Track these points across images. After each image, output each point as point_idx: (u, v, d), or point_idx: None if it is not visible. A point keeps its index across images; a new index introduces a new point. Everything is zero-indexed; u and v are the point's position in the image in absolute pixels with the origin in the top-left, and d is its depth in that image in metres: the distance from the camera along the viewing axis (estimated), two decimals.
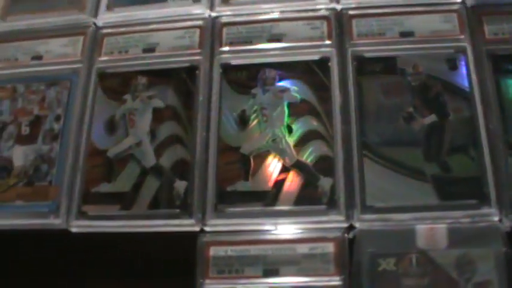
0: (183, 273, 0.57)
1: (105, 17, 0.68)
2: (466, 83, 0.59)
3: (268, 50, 0.63)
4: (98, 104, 0.64)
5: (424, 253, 0.54)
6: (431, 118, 0.58)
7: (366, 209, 0.56)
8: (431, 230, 0.55)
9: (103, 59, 0.66)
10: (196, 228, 0.58)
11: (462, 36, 0.60)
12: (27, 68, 0.67)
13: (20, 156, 0.64)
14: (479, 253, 0.53)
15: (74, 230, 0.60)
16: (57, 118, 0.65)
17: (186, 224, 0.58)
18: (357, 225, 0.56)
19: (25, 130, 0.65)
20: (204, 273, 0.55)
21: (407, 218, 0.55)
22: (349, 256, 0.55)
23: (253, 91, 0.61)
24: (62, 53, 0.67)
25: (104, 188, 0.60)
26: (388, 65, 0.60)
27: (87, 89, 0.65)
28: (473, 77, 0.59)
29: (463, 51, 0.60)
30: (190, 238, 0.58)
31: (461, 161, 0.57)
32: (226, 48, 0.63)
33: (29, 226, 0.61)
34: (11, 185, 0.63)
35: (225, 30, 0.64)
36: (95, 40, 0.67)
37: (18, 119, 0.66)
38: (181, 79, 0.63)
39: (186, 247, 0.58)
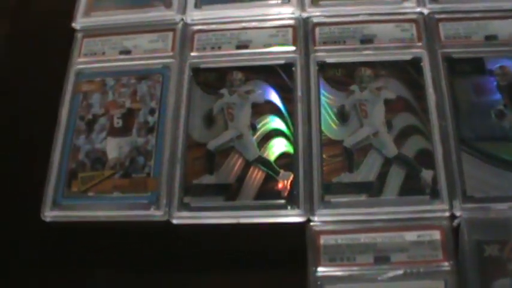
0: (289, 263, 0.60)
1: (194, 14, 0.70)
2: None
3: (361, 49, 0.67)
4: (193, 98, 0.66)
5: None
6: None
7: (467, 199, 0.59)
8: None
9: (196, 55, 0.67)
10: (303, 219, 0.60)
11: None
12: (116, 62, 0.68)
13: (114, 148, 0.64)
14: None
15: (175, 221, 0.60)
16: (152, 111, 0.66)
17: (293, 214, 0.60)
18: (458, 214, 0.59)
19: (117, 122, 0.66)
20: (316, 261, 0.58)
21: (507, 208, 0.60)
22: (455, 244, 0.59)
23: (351, 88, 0.65)
24: (151, 48, 0.68)
25: (206, 179, 0.62)
26: (476, 65, 0.66)
27: (181, 83, 0.66)
28: None
29: None
30: (297, 229, 0.60)
31: None
32: (321, 47, 0.67)
33: (129, 218, 0.61)
34: (107, 176, 0.64)
35: (317, 30, 0.67)
36: (185, 36, 0.69)
37: (109, 112, 0.66)
38: (279, 74, 0.66)
39: (293, 238, 0.60)
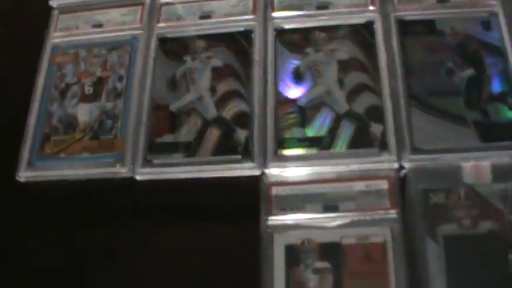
0: (245, 214, 0.62)
1: None
2: (499, 41, 0.66)
3: (317, 15, 0.69)
4: (159, 65, 0.70)
5: (471, 187, 0.59)
6: (470, 72, 0.65)
7: (415, 150, 0.61)
8: (477, 166, 0.60)
9: (162, 25, 0.71)
10: (258, 172, 0.63)
11: (494, 2, 0.68)
12: (89, 35, 0.73)
13: (84, 113, 0.68)
14: None
15: (138, 177, 0.64)
16: (120, 78, 0.70)
17: (247, 168, 0.62)
18: (407, 165, 0.61)
19: (88, 90, 0.70)
20: (268, 211, 0.61)
21: (453, 158, 0.61)
22: (401, 193, 0.61)
23: (307, 50, 0.68)
24: (121, 21, 0.73)
25: (168, 138, 0.65)
26: (428, 27, 0.67)
27: (148, 52, 0.70)
28: (505, 36, 0.66)
29: (495, 14, 0.67)
30: (252, 182, 0.63)
31: (498, 108, 0.63)
32: (279, 14, 0.70)
33: (96, 175, 0.65)
34: (77, 139, 0.67)
35: None
36: (153, 9, 0.73)
37: (81, 81, 0.71)
38: (238, 41, 0.69)
39: (248, 191, 0.62)
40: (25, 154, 0.67)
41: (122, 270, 0.61)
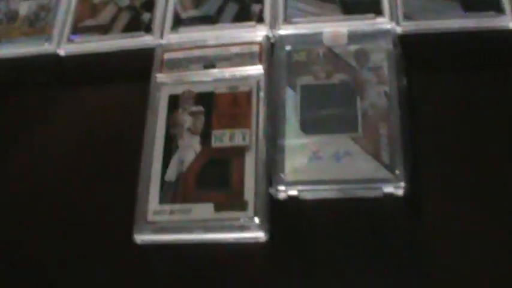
0: (142, 80, 0.72)
1: None
2: None
3: None
4: None
5: (328, 48, 0.69)
6: None
7: (286, 22, 0.71)
8: (335, 31, 0.69)
9: None
10: (155, 42, 0.74)
11: None
12: None
13: (25, 8, 0.82)
14: (373, 47, 0.68)
15: (62, 52, 0.77)
16: None
17: (147, 40, 0.74)
18: (277, 33, 0.71)
19: None
20: (159, 70, 0.71)
21: (317, 27, 0.70)
22: (270, 55, 0.70)
23: None
24: None
25: (89, 22, 0.77)
26: None
27: None
28: None
29: None
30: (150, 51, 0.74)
31: None
32: None
33: (27, 53, 0.78)
34: (17, 27, 0.81)
35: None
36: None
37: None
38: None
39: (147, 59, 0.73)
40: None
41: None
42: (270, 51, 0.70)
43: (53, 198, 0.67)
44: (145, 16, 0.76)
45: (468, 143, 0.63)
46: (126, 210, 0.64)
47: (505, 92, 0.66)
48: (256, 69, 0.69)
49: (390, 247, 0.59)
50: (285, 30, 0.71)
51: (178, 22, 0.74)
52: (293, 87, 0.67)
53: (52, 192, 0.67)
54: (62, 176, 0.69)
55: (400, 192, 0.60)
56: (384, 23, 0.69)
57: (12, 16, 0.82)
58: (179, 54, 0.72)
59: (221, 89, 0.69)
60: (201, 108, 0.68)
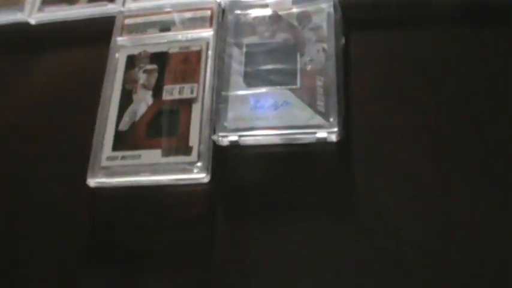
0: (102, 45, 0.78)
1: None
2: None
3: None
4: None
5: (274, 11, 0.74)
6: None
7: None
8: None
9: None
10: (117, 10, 0.80)
11: None
12: None
13: None
14: (315, 10, 0.73)
15: (32, 21, 0.83)
16: None
17: (112, 9, 0.80)
18: None
19: None
20: (119, 34, 0.77)
21: None
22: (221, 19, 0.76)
23: None
24: None
25: None
26: None
27: None
28: None
29: None
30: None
31: None
32: None
33: (2, 22, 0.84)
34: None
35: None
36: None
37: None
38: None
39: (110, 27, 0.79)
40: None
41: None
42: (220, 16, 0.76)
43: (16, 150, 0.73)
44: None
45: (398, 93, 0.67)
46: (82, 158, 0.70)
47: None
48: (207, 32, 0.75)
49: (323, 192, 0.63)
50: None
51: None
52: (239, 46, 0.73)
53: (16, 144, 0.73)
54: (27, 130, 0.74)
55: (333, 137, 0.66)
56: None
57: None
58: (138, 20, 0.77)
59: (174, 49, 0.74)
60: (155, 66, 0.73)
